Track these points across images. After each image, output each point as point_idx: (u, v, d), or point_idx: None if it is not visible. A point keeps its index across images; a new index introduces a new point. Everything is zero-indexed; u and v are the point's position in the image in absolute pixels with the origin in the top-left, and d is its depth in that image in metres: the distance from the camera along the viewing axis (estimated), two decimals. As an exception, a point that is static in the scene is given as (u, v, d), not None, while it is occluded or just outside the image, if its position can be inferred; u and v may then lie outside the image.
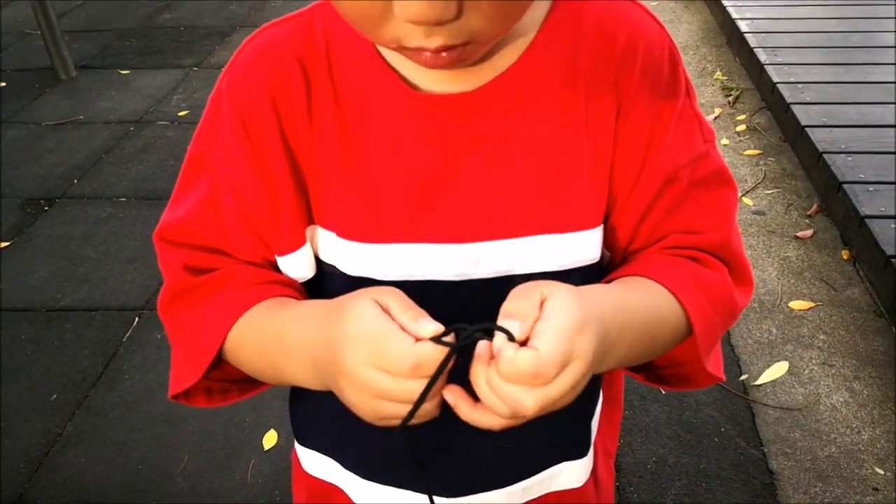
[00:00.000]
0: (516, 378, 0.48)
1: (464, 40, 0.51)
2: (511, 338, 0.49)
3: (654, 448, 1.71)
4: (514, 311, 0.51)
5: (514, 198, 0.62)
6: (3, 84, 3.80)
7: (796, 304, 2.11)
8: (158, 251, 0.69)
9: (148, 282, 2.33)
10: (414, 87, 0.61)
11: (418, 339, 0.50)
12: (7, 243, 2.56)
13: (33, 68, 3.94)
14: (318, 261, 0.68)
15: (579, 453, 0.76)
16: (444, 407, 0.53)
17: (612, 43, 0.61)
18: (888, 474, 1.63)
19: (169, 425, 1.82)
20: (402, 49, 0.53)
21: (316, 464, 0.79)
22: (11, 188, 2.90)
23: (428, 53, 0.51)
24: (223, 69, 0.66)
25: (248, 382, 0.71)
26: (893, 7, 3.61)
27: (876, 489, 1.61)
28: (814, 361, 1.92)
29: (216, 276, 0.66)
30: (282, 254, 0.66)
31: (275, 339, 0.62)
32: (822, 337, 2.00)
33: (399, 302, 0.52)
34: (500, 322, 0.50)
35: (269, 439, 1.76)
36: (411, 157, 0.61)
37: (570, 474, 0.76)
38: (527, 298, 0.51)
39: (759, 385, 1.86)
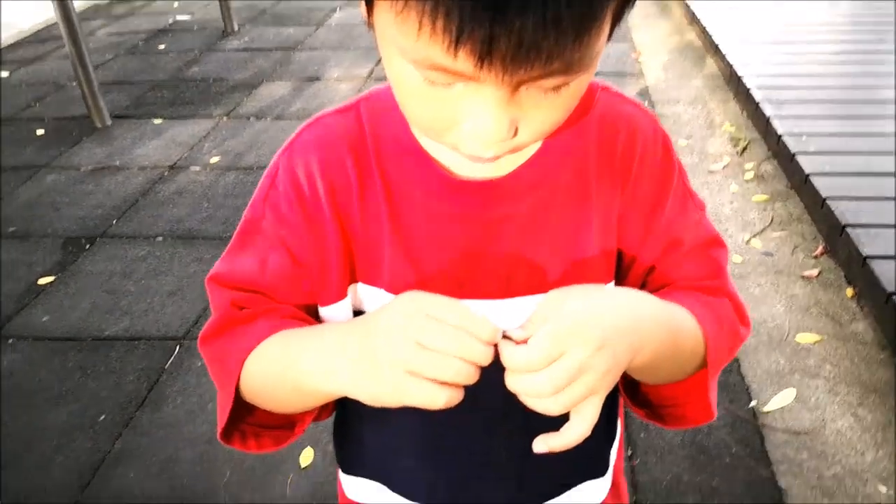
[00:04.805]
0: (513, 367, 0.57)
1: (510, 149, 0.60)
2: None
3: (669, 467, 1.81)
4: (530, 320, 0.59)
5: (538, 262, 0.73)
6: (42, 132, 4.00)
7: (803, 338, 2.22)
8: (210, 292, 0.77)
9: (187, 314, 2.46)
10: (450, 174, 0.71)
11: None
12: (52, 278, 2.71)
13: (70, 117, 4.14)
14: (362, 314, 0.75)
15: (600, 473, 0.85)
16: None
17: (615, 136, 0.74)
18: (890, 492, 1.72)
19: (211, 444, 1.93)
20: (454, 149, 0.61)
21: (361, 491, 0.87)
22: (53, 228, 3.05)
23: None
24: (279, 150, 0.75)
25: (279, 429, 0.80)
26: (893, 63, 3.80)
27: (880, 507, 1.70)
28: (820, 389, 2.03)
29: (255, 311, 0.75)
30: (325, 304, 0.75)
31: (297, 339, 0.69)
32: (827, 367, 2.10)
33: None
34: (517, 328, 0.59)
35: (306, 457, 1.86)
36: (451, 233, 0.72)
37: (591, 492, 0.85)
38: (542, 310, 0.60)
39: (768, 412, 1.96)
